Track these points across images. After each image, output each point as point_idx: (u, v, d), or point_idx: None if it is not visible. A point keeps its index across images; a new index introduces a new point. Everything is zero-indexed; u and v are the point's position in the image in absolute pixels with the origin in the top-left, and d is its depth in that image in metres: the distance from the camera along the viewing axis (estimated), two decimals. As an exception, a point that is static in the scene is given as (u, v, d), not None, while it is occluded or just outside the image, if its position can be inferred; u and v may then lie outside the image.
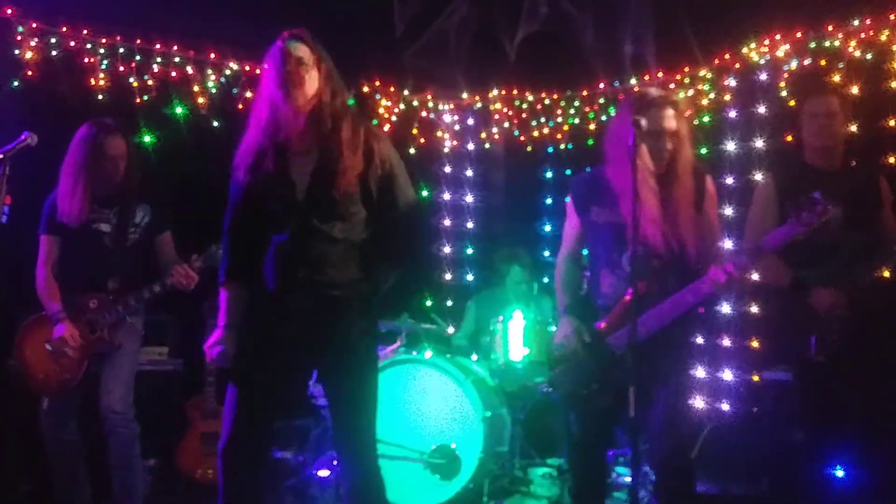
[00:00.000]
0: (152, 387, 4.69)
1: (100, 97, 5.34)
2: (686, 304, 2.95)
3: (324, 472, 4.69)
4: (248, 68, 5.71)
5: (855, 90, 4.99)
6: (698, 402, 5.33)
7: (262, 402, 2.78)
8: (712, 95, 5.60)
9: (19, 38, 5.14)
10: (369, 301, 2.87)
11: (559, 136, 6.30)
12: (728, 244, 3.07)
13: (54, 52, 5.23)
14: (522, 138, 6.36)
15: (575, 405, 3.18)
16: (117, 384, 3.75)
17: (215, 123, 5.60)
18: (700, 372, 5.37)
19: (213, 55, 5.66)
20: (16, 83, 5.12)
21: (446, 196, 6.48)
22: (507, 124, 6.38)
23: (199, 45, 5.64)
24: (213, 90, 5.67)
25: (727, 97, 5.56)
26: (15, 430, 4.47)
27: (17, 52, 5.13)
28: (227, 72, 5.72)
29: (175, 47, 5.58)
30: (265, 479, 2.85)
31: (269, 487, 4.62)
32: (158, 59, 5.51)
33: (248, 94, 5.66)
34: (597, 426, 3.16)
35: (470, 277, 6.38)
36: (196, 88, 5.63)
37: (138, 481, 3.84)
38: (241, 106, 5.61)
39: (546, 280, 5.71)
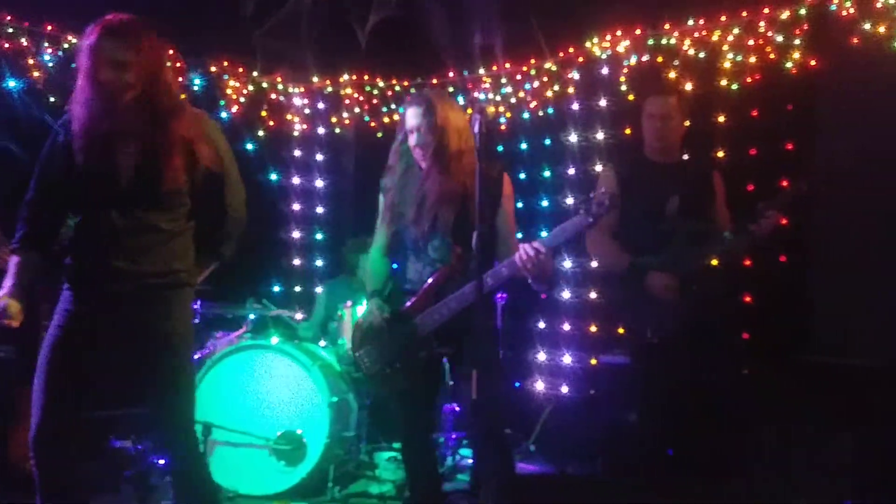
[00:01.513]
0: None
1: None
2: (486, 287, 3.08)
3: (164, 461, 4.53)
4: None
5: (689, 87, 5.25)
6: (539, 385, 5.52)
7: (74, 391, 2.74)
8: (556, 87, 5.75)
9: None
10: (187, 291, 2.88)
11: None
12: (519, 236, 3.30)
13: None
14: (373, 124, 6.35)
15: (377, 383, 3.36)
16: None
17: (52, 99, 5.28)
18: (541, 355, 5.57)
19: (50, 27, 5.33)
20: None
21: (296, 180, 6.39)
22: (357, 110, 6.35)
23: (36, 16, 5.29)
24: (50, 64, 5.34)
25: (571, 90, 5.73)
26: None
27: None
28: (66, 45, 5.39)
29: (8, 17, 5.21)
30: (76, 470, 2.81)
31: (108, 477, 4.47)
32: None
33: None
34: (415, 407, 3.30)
35: (319, 263, 6.33)
36: (31, 61, 5.29)
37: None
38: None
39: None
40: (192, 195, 2.84)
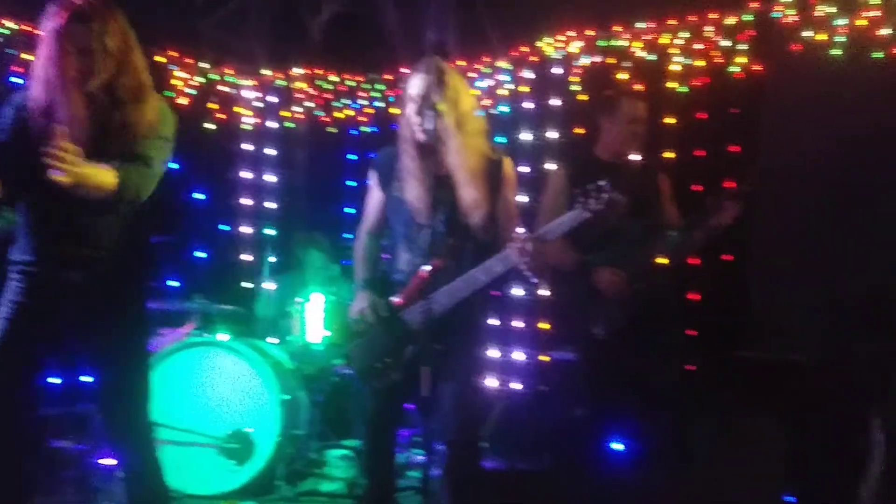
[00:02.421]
0: None
1: None
2: (478, 282, 3.00)
3: (107, 461, 4.43)
4: (30, 28, 5.24)
5: (639, 88, 5.31)
6: (491, 382, 5.53)
7: (19, 385, 2.67)
8: (511, 86, 5.78)
9: None
10: (140, 279, 2.83)
11: (363, 118, 6.29)
12: (520, 230, 3.21)
13: None
14: (325, 119, 6.29)
15: (369, 379, 3.19)
16: None
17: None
18: (493, 352, 5.58)
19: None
20: None
21: (246, 174, 6.29)
22: (309, 104, 6.28)
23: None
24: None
25: (524, 88, 5.75)
26: None
27: None
28: (3, 31, 5.23)
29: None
30: (22, 464, 2.75)
31: (46, 479, 4.35)
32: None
33: (27, 57, 5.21)
34: (388, 401, 3.19)
35: (271, 259, 6.24)
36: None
37: None
38: (20, 69, 5.15)
39: (346, 263, 5.69)
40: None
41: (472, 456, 3.18)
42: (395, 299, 3.13)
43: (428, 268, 3.01)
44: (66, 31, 2.55)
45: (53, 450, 4.68)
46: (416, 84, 3.01)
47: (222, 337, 4.63)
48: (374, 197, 3.26)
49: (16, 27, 5.23)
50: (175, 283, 5.07)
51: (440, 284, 3.01)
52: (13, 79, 4.95)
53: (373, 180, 3.26)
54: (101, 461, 4.39)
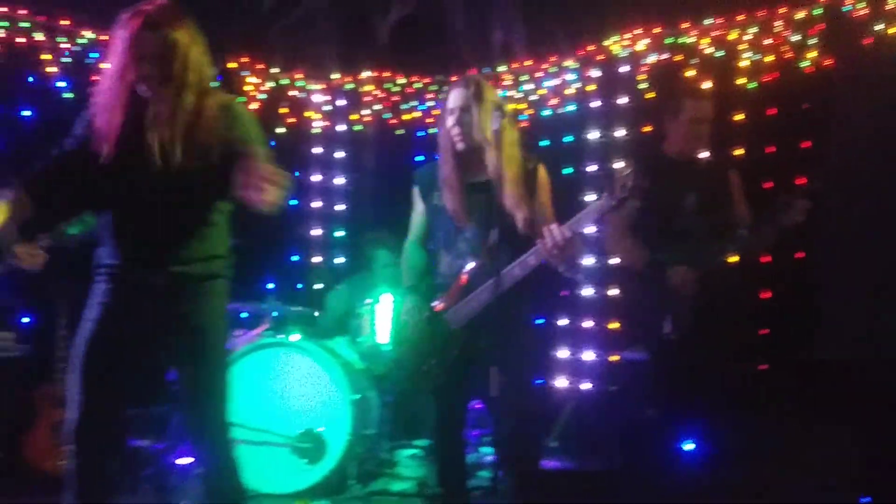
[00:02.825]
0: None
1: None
2: (515, 277, 3.08)
3: (183, 461, 4.55)
4: (106, 37, 5.42)
5: (707, 85, 5.24)
6: (561, 382, 5.52)
7: (111, 386, 2.71)
8: (578, 85, 5.75)
9: None
10: (222, 283, 2.84)
11: (430, 120, 6.33)
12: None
13: None
14: (393, 121, 6.35)
15: (416, 381, 3.33)
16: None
17: (70, 95, 5.30)
18: (563, 352, 5.56)
19: (66, 22, 5.34)
20: None
21: (316, 178, 6.39)
22: (378, 106, 6.35)
23: (50, 10, 5.31)
24: (66, 59, 5.36)
25: (591, 87, 5.72)
26: None
27: None
28: (82, 40, 5.41)
29: (23, 11, 5.23)
30: (115, 468, 2.81)
31: (126, 477, 4.48)
32: (3, 24, 5.15)
33: (105, 65, 5.39)
34: (452, 403, 3.30)
35: (340, 260, 6.33)
36: (47, 56, 5.31)
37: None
38: (97, 77, 5.32)
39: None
40: (223, 183, 2.74)
41: (530, 452, 3.20)
42: (438, 302, 3.27)
43: (468, 268, 3.20)
44: (137, 37, 2.59)
45: (133, 449, 4.83)
46: (454, 98, 3.23)
47: (294, 338, 4.70)
48: (417, 209, 3.45)
49: (93, 36, 5.41)
50: (270, 286, 5.24)
51: (480, 284, 3.15)
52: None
53: (415, 194, 3.45)
54: (178, 460, 4.52)
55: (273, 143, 5.92)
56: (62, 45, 5.34)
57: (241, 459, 4.29)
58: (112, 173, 2.66)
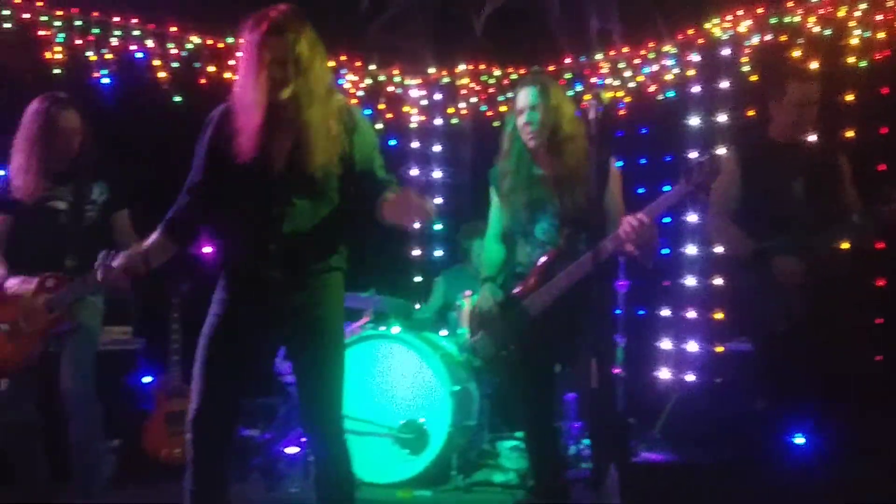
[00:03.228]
0: (115, 366, 4.61)
1: (56, 71, 5.21)
2: (590, 265, 3.11)
3: (291, 450, 4.68)
4: (210, 42, 5.62)
5: (814, 66, 5.04)
6: (664, 374, 5.42)
7: (231, 377, 2.79)
8: (677, 71, 5.63)
9: (-33, 9, 5.01)
10: (339, 276, 2.90)
11: (527, 110, 6.29)
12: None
13: (7, 25, 5.09)
14: (490, 113, 6.35)
15: (494, 367, 3.49)
16: (77, 364, 3.67)
17: (177, 98, 5.51)
18: (666, 344, 5.46)
19: (174, 28, 5.56)
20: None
21: (414, 172, 6.46)
22: (474, 99, 6.36)
23: (160, 18, 5.53)
24: (175, 64, 5.57)
25: (691, 72, 5.59)
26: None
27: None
28: (189, 45, 5.62)
29: (134, 20, 5.47)
30: (231, 454, 2.87)
31: (236, 466, 4.64)
32: (117, 33, 5.39)
33: (211, 69, 5.58)
34: (540, 394, 3.41)
35: (438, 253, 6.39)
36: (157, 62, 5.54)
37: (99, 462, 3.79)
38: (203, 80, 5.53)
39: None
40: (342, 182, 2.84)
41: (616, 440, 3.21)
42: (516, 289, 3.38)
43: (545, 257, 3.32)
44: (263, 42, 2.65)
45: (243, 438, 5.00)
46: (523, 97, 3.37)
47: (394, 330, 4.76)
48: (494, 205, 3.58)
49: (199, 41, 5.61)
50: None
51: (557, 272, 3.27)
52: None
53: (493, 190, 3.57)
54: (285, 449, 4.65)
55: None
56: (171, 52, 5.56)
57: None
58: (241, 173, 2.75)
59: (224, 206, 2.83)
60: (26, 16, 5.15)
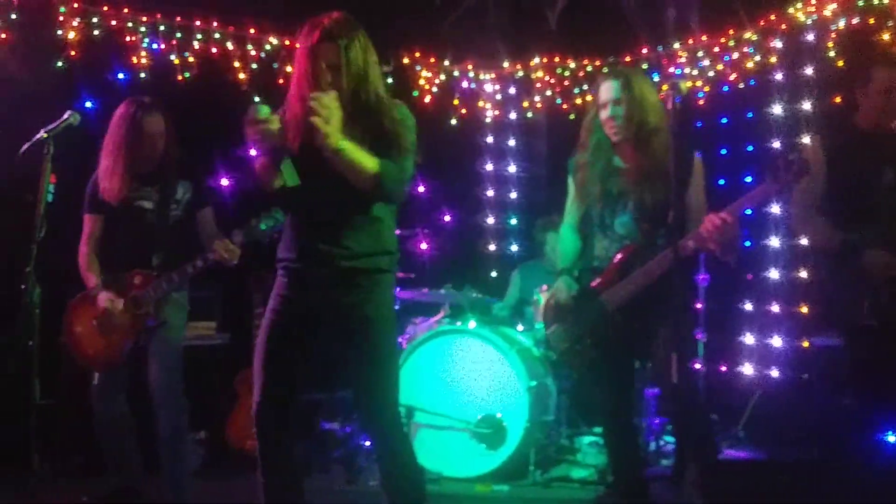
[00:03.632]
0: (201, 361, 4.74)
1: (142, 75, 5.39)
2: (671, 261, 3.03)
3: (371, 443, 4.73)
4: (287, 43, 5.72)
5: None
6: (747, 369, 5.29)
7: (289, 372, 2.89)
8: (758, 58, 5.48)
9: (62, 18, 5.20)
10: (389, 276, 2.95)
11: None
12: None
13: (96, 32, 5.28)
14: (565, 106, 6.30)
15: (570, 361, 3.44)
16: (164, 359, 3.80)
17: (256, 99, 5.63)
18: (749, 338, 5.33)
19: (252, 30, 5.68)
20: (59, 63, 5.19)
21: (489, 167, 6.46)
22: (549, 93, 6.32)
23: (239, 20, 5.65)
24: (254, 66, 5.69)
25: (773, 59, 5.44)
26: (68, 405, 4.61)
27: (59, 32, 5.19)
28: (267, 47, 5.73)
29: (215, 23, 5.60)
30: (295, 442, 2.98)
31: (318, 458, 4.73)
32: (199, 36, 5.54)
33: (289, 69, 5.68)
34: (617, 388, 3.36)
35: (514, 248, 6.37)
36: (236, 64, 5.66)
37: (186, 453, 3.91)
38: (281, 81, 5.63)
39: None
40: None
41: (707, 441, 3.10)
42: (593, 283, 3.33)
43: (623, 251, 3.27)
44: (317, 48, 2.74)
45: (323, 432, 5.08)
46: (606, 90, 3.31)
47: (471, 325, 4.77)
48: (571, 195, 3.52)
49: (277, 42, 5.72)
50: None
51: (636, 266, 3.21)
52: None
53: (569, 181, 3.52)
54: (366, 442, 4.71)
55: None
56: (251, 53, 5.68)
57: (426, 443, 4.47)
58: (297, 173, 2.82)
59: (283, 204, 2.98)
60: (114, 22, 5.33)
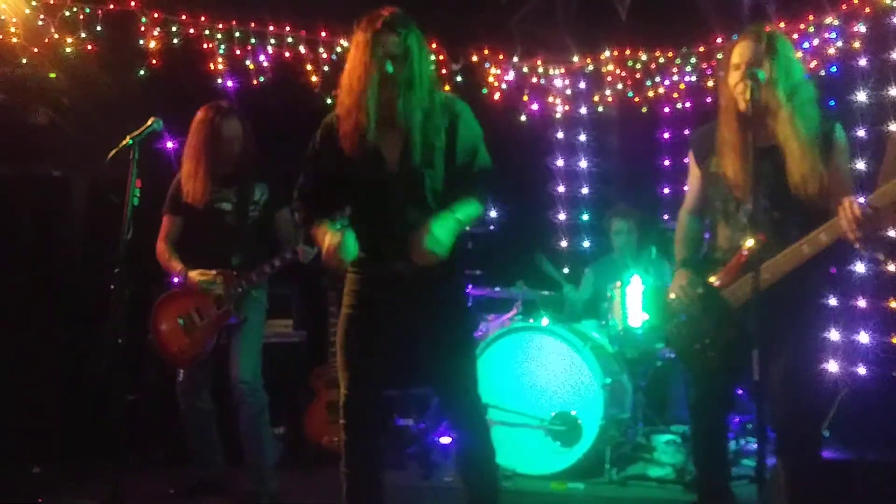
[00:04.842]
0: (279, 358, 4.84)
1: (219, 81, 5.52)
2: (803, 256, 2.77)
3: (445, 439, 4.76)
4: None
5: None
6: (832, 366, 5.13)
7: (369, 366, 2.92)
8: (840, 44, 5.30)
9: (143, 28, 5.36)
10: (456, 269, 2.98)
11: (675, 95, 6.11)
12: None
13: (175, 40, 5.43)
14: (637, 99, 6.21)
15: (688, 360, 3.14)
16: (245, 356, 3.90)
17: (328, 101, 5.70)
18: (834, 334, 5.16)
19: (323, 33, 5.75)
20: (142, 72, 5.35)
21: (560, 162, 6.41)
22: (620, 86, 6.23)
23: (311, 24, 5.74)
24: (325, 68, 5.76)
25: (856, 44, 5.25)
26: (153, 400, 4.76)
27: (141, 42, 5.36)
28: (338, 49, 5.79)
29: (287, 28, 5.70)
30: (381, 439, 3.02)
31: (393, 454, 4.77)
32: (272, 41, 5.64)
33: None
34: (711, 384, 3.08)
35: (586, 244, 6.32)
36: (309, 67, 5.75)
37: (267, 447, 4.01)
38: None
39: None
40: (448, 173, 2.89)
41: (808, 445, 2.94)
42: (715, 277, 3.01)
43: (749, 244, 2.84)
44: (377, 39, 2.75)
45: (399, 428, 5.13)
46: (741, 52, 2.90)
47: (544, 322, 4.75)
48: (693, 175, 3.19)
49: (347, 45, 5.77)
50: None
51: (764, 260, 2.79)
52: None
53: (690, 158, 3.19)
54: (440, 439, 4.74)
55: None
56: (322, 56, 5.76)
57: (501, 440, 4.46)
58: (357, 170, 2.86)
59: (351, 203, 2.97)
60: (192, 30, 5.48)
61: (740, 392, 4.60)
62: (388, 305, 2.90)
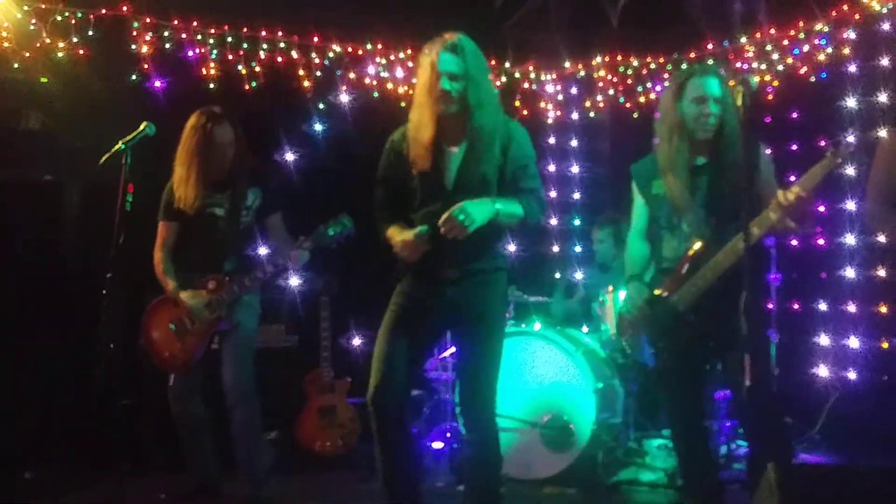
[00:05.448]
0: (271, 363, 4.83)
1: (211, 86, 5.51)
2: (738, 250, 3.01)
3: (437, 444, 4.75)
4: (350, 50, 5.78)
5: None
6: (823, 371, 5.15)
7: (405, 359, 3.11)
8: (830, 50, 5.33)
9: (135, 33, 5.35)
10: (503, 275, 3.21)
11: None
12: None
13: (167, 45, 5.42)
14: (628, 105, 6.22)
15: (648, 367, 3.44)
16: (238, 361, 3.90)
17: (321, 106, 5.70)
18: (824, 339, 5.19)
19: (316, 39, 5.75)
20: (133, 77, 5.34)
21: (551, 168, 6.42)
22: (611, 91, 6.25)
23: (303, 29, 5.74)
24: (318, 73, 5.76)
25: (846, 51, 5.29)
26: (149, 407, 4.73)
27: (133, 47, 5.35)
28: (331, 54, 5.80)
29: (280, 33, 5.70)
30: (409, 427, 3.26)
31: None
32: (265, 46, 5.64)
33: (351, 76, 5.74)
34: (677, 389, 3.33)
35: (577, 249, 6.33)
36: (301, 72, 5.75)
37: (261, 452, 4.00)
38: (344, 87, 5.69)
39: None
40: (500, 185, 3.13)
41: (781, 445, 3.06)
42: (660, 290, 3.31)
43: (692, 249, 3.22)
44: (440, 59, 3.01)
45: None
46: (703, 86, 3.26)
47: (536, 326, 4.75)
48: (637, 203, 3.51)
49: (340, 49, 5.78)
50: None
51: (705, 264, 3.17)
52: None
53: (634, 189, 3.51)
54: (431, 443, 4.73)
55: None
56: (314, 61, 5.76)
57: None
58: (419, 182, 3.12)
59: (407, 212, 3.17)
60: (184, 35, 5.47)
61: (726, 395, 4.63)
62: (433, 308, 3.12)
